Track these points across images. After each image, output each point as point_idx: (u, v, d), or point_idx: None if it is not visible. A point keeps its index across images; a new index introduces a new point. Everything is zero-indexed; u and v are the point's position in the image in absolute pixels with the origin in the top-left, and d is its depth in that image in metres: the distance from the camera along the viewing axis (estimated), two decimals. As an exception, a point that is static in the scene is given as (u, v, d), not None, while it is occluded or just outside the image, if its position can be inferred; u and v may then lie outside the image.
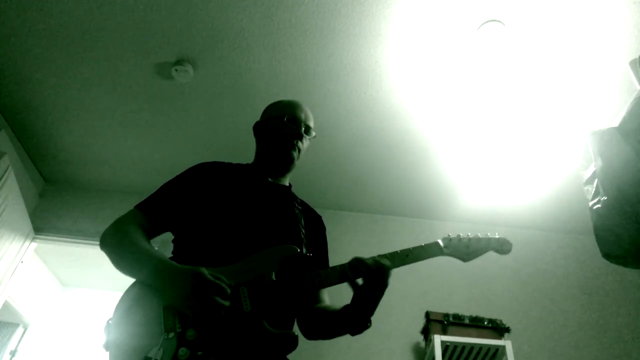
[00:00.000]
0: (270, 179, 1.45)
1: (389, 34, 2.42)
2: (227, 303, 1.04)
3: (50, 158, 3.49)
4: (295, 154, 1.43)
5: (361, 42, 2.47)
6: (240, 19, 2.40)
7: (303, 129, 1.45)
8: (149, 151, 3.33)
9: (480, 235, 1.36)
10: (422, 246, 1.29)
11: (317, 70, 2.65)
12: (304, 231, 1.38)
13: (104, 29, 2.49)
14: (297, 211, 1.42)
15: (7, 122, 3.14)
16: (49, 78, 2.81)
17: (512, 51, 2.45)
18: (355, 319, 1.21)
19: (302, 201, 1.50)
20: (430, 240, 1.33)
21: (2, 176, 2.90)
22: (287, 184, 1.50)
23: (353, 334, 1.23)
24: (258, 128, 1.53)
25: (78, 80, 2.81)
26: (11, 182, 3.00)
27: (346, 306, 1.23)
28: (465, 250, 1.33)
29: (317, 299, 1.37)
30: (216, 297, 1.03)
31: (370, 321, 1.22)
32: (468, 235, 1.35)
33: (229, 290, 1.06)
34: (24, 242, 3.34)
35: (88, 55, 2.64)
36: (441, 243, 1.32)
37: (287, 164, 1.44)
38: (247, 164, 1.51)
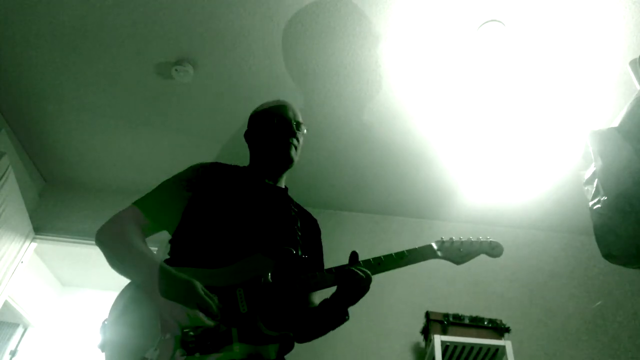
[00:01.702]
0: (267, 181, 1.45)
1: (389, 34, 2.42)
2: (212, 323, 1.04)
3: (50, 158, 3.49)
4: (293, 152, 1.44)
5: (361, 42, 2.47)
6: (240, 19, 2.40)
7: (294, 126, 1.46)
8: (149, 151, 3.34)
9: (472, 238, 1.40)
10: (416, 249, 1.32)
11: (317, 70, 2.65)
12: (299, 233, 1.39)
13: (104, 29, 2.49)
14: (293, 213, 1.43)
15: (7, 122, 3.14)
16: (49, 79, 2.81)
17: (512, 51, 2.45)
18: (333, 312, 1.25)
19: (297, 204, 1.51)
20: (429, 241, 1.36)
21: (2, 176, 2.90)
22: (284, 186, 1.50)
23: (333, 327, 1.28)
24: (249, 136, 1.53)
25: (78, 80, 2.81)
26: (11, 182, 3.00)
27: (324, 300, 1.27)
28: (458, 253, 1.36)
29: (308, 301, 1.37)
30: (201, 313, 1.03)
31: (347, 314, 1.26)
32: (461, 238, 1.38)
33: (216, 310, 1.06)
34: (24, 242, 3.34)
35: (88, 55, 2.64)
36: (435, 246, 1.35)
37: (287, 163, 1.45)
38: (244, 167, 1.52)
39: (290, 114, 1.49)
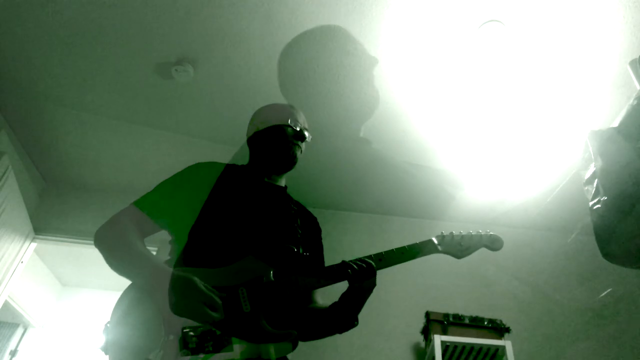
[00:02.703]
0: (266, 180, 1.45)
1: (389, 34, 2.42)
2: (217, 315, 1.04)
3: (50, 158, 3.49)
4: (298, 153, 1.46)
5: (361, 42, 2.47)
6: (240, 19, 2.40)
7: (301, 132, 1.47)
8: (148, 151, 3.33)
9: (472, 232, 1.40)
10: (416, 244, 1.32)
11: (317, 70, 2.65)
12: (300, 231, 1.39)
13: (104, 29, 2.48)
14: (292, 212, 1.43)
15: (7, 122, 3.14)
16: (49, 78, 2.80)
17: (512, 51, 2.45)
18: (343, 316, 1.25)
19: (297, 202, 1.51)
20: (428, 240, 1.36)
21: (2, 176, 2.90)
22: (283, 185, 1.50)
23: (340, 331, 1.28)
24: (253, 136, 1.51)
25: (78, 80, 2.81)
26: (11, 182, 3.00)
27: (334, 304, 1.27)
28: (459, 247, 1.36)
29: (311, 299, 1.38)
30: (205, 307, 1.03)
31: (357, 319, 1.26)
32: (461, 232, 1.39)
33: (219, 302, 1.06)
34: (24, 242, 3.34)
35: (88, 55, 2.64)
36: (435, 240, 1.35)
37: (289, 166, 1.46)
38: (243, 165, 1.52)
39: (301, 120, 1.50)
